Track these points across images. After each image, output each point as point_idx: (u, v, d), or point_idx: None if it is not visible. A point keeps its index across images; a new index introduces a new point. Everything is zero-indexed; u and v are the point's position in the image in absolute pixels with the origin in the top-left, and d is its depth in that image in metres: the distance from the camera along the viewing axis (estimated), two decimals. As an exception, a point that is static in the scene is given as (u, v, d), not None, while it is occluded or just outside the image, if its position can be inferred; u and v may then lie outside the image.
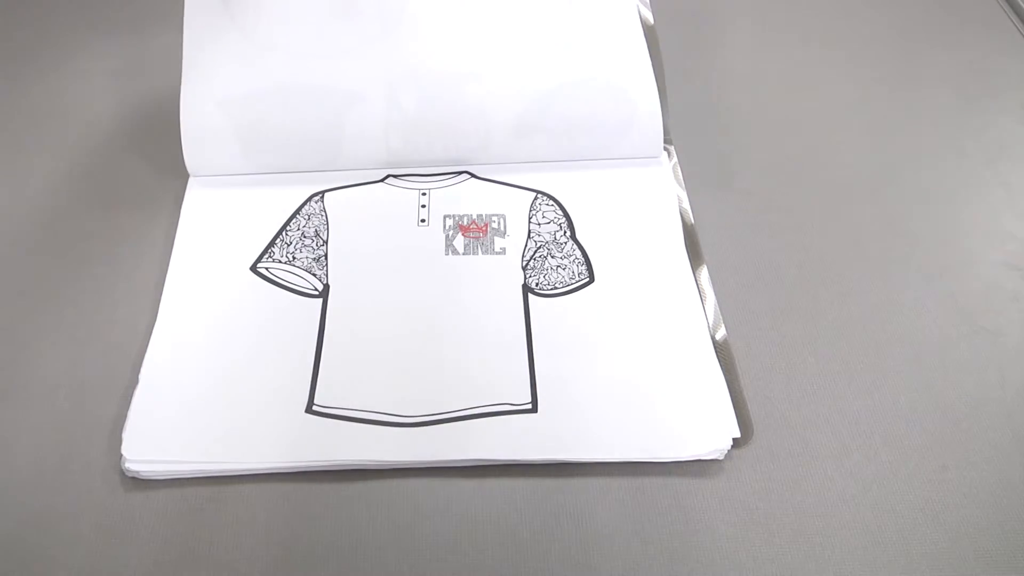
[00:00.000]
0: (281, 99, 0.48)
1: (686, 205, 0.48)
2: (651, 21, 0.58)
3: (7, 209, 0.49)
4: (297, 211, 0.48)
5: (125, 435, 0.38)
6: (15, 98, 0.55)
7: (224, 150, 0.48)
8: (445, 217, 0.48)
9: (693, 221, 0.48)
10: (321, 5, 0.49)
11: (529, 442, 0.38)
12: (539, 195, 0.49)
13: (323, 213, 0.48)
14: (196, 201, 0.48)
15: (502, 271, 0.45)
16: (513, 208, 0.48)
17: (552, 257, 0.46)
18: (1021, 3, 0.62)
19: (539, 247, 0.46)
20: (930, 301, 0.44)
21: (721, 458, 0.38)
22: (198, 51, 0.48)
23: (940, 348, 0.43)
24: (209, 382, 0.40)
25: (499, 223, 0.47)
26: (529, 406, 0.39)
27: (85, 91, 0.56)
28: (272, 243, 0.46)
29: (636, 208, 0.48)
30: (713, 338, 0.42)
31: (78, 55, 0.58)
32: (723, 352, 0.42)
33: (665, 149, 0.51)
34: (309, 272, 0.45)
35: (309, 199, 0.48)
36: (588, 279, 0.45)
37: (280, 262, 0.45)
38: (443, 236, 0.47)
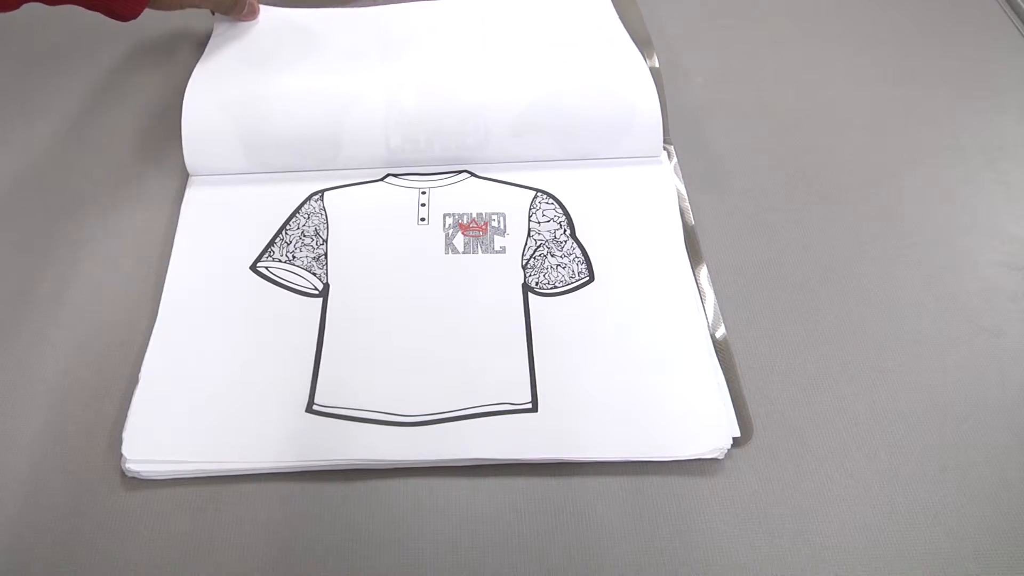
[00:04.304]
0: (282, 99, 0.49)
1: (686, 205, 0.48)
2: (646, 22, 0.58)
3: (6, 209, 0.49)
4: (297, 210, 0.48)
5: (125, 435, 0.38)
6: (13, 99, 0.55)
7: (224, 149, 0.48)
8: (445, 216, 0.48)
9: (693, 221, 0.48)
10: (330, 54, 0.53)
11: (529, 442, 0.38)
12: (539, 194, 0.49)
13: (323, 212, 0.48)
14: (196, 200, 0.48)
15: (502, 270, 0.45)
16: (513, 207, 0.48)
17: (552, 256, 0.46)
18: (1021, 3, 0.62)
19: (539, 246, 0.46)
20: (930, 301, 0.44)
21: (721, 457, 0.38)
22: (209, 70, 0.51)
23: (940, 348, 0.43)
24: (209, 382, 0.40)
25: (499, 222, 0.47)
26: (529, 406, 0.39)
27: (84, 91, 0.55)
28: (272, 242, 0.46)
29: (636, 207, 0.48)
30: (713, 337, 0.42)
31: (78, 56, 0.58)
32: (723, 351, 0.42)
33: (665, 149, 0.51)
34: (309, 271, 0.45)
35: (309, 198, 0.48)
36: (588, 278, 0.45)
37: (280, 261, 0.45)
38: (443, 235, 0.47)
